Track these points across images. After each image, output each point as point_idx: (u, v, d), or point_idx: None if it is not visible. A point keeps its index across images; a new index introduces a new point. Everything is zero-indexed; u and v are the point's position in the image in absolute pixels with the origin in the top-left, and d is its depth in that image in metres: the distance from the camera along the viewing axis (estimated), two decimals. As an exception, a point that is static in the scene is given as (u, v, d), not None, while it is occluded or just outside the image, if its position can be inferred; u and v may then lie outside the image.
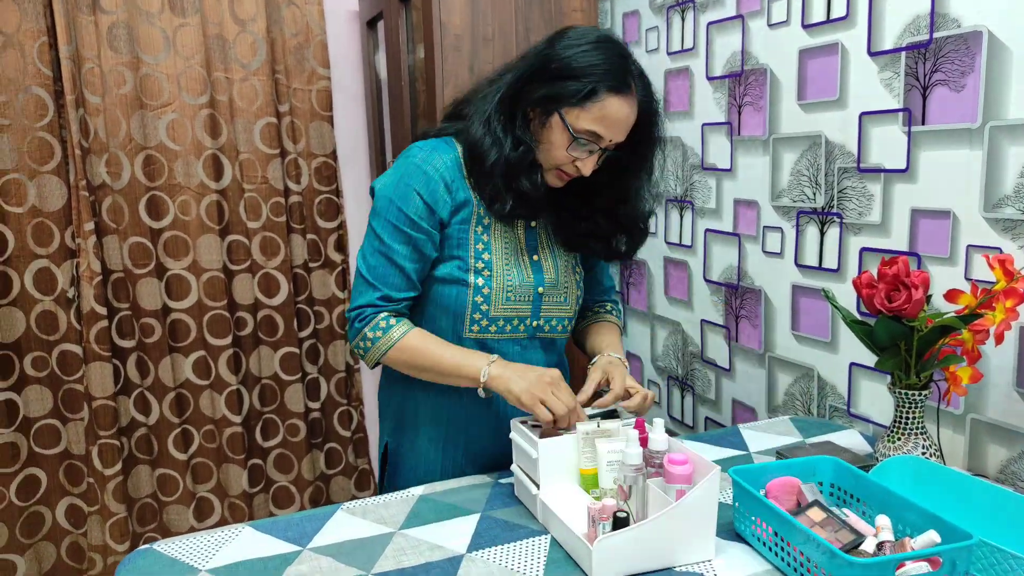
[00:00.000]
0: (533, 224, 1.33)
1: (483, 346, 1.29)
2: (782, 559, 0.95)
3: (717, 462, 1.28)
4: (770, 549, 0.97)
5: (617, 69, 1.15)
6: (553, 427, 1.16)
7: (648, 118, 1.23)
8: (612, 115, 1.16)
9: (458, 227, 1.25)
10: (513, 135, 1.20)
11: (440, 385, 1.27)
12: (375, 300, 1.24)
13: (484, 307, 1.27)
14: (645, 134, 1.24)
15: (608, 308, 1.51)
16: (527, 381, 1.16)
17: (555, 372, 1.18)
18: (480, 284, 1.26)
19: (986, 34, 1.16)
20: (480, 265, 1.26)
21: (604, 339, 1.40)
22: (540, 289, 1.30)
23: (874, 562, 0.84)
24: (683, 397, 2.01)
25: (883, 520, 0.94)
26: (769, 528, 0.97)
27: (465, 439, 1.34)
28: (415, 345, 1.23)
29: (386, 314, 1.24)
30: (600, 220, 1.31)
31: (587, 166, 1.21)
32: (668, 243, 1.99)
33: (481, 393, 1.20)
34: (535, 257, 1.32)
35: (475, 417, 1.32)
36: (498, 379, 1.17)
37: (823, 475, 1.09)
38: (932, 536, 0.88)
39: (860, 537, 0.92)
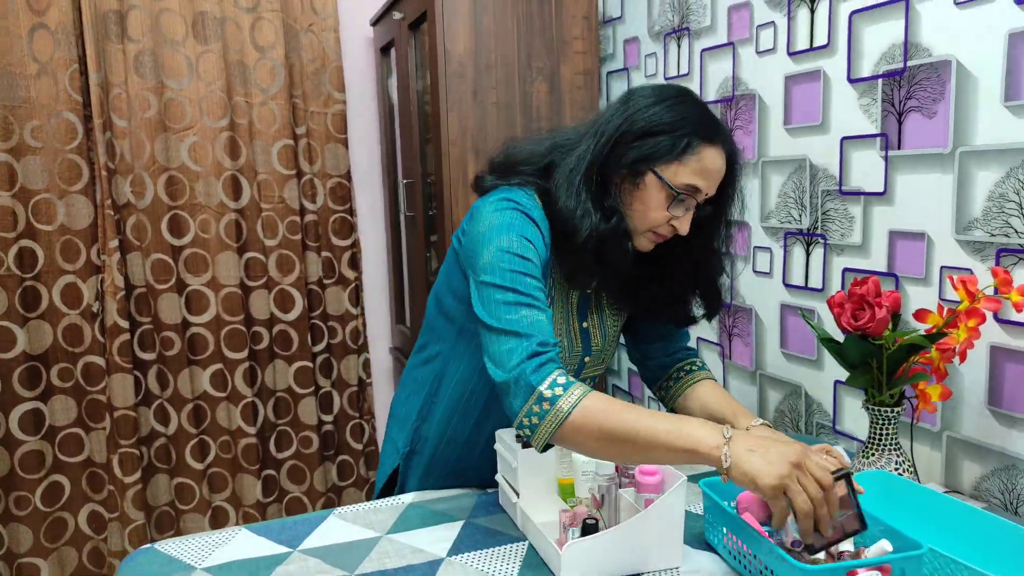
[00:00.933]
0: (588, 291, 1.25)
1: None
2: (744, 566, 0.99)
3: (702, 476, 1.33)
4: (734, 557, 1.01)
5: (707, 119, 1.12)
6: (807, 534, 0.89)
7: (734, 168, 1.17)
8: (710, 166, 1.11)
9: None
10: (603, 206, 1.12)
11: (458, 425, 1.22)
12: (536, 348, 1.01)
13: None
14: (730, 185, 1.18)
15: (700, 364, 1.37)
16: (766, 462, 0.89)
17: (799, 446, 0.92)
18: None
19: (954, 63, 1.20)
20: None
21: (726, 404, 1.27)
22: (587, 359, 1.27)
23: (825, 568, 0.88)
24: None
25: None
26: (732, 536, 1.01)
27: (477, 480, 1.32)
28: (604, 407, 0.98)
29: (556, 368, 1.01)
30: (677, 281, 1.24)
31: (684, 224, 1.13)
32: (667, 262, 2.04)
33: (723, 479, 0.94)
34: (584, 324, 1.26)
35: (478, 440, 1.30)
36: (740, 462, 0.91)
37: None
38: (884, 545, 0.92)
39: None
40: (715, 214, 1.19)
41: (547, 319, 1.05)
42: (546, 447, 1.02)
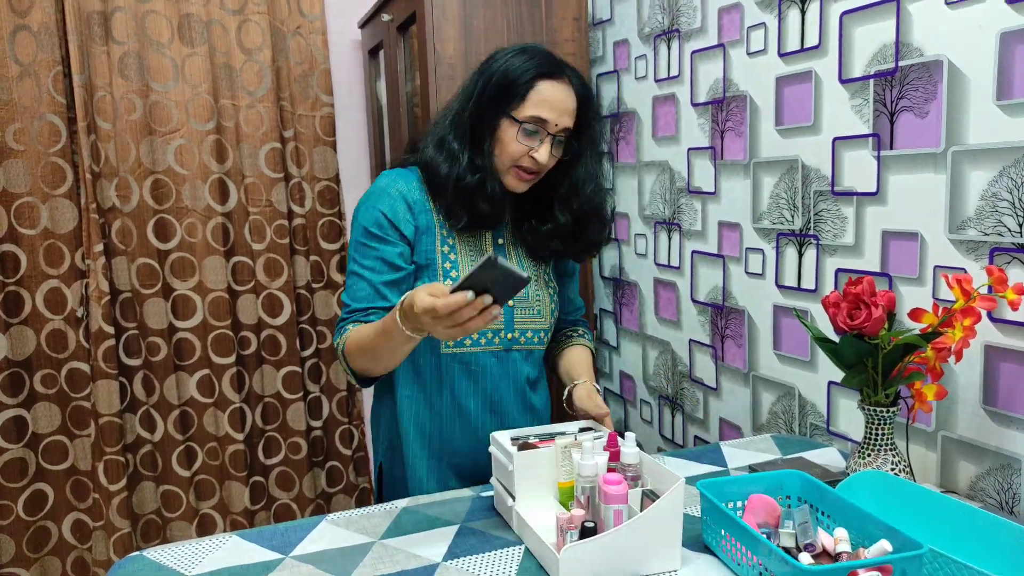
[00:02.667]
0: (500, 241, 1.40)
1: (461, 360, 1.34)
2: (743, 569, 0.98)
3: (696, 477, 1.33)
4: (734, 560, 1.01)
5: (545, 60, 1.27)
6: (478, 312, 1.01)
7: (586, 104, 1.31)
8: (549, 97, 1.26)
9: (424, 248, 1.33)
10: (468, 150, 1.30)
11: (419, 401, 1.33)
12: (344, 313, 1.31)
13: None
14: (585, 120, 1.32)
15: (580, 332, 1.55)
16: (436, 332, 1.04)
17: (420, 304, 1.01)
18: None
19: (946, 63, 1.21)
20: (448, 284, 1.29)
21: (577, 364, 1.45)
22: (511, 303, 1.36)
23: (826, 569, 0.87)
24: (673, 416, 2.04)
25: (841, 532, 0.97)
26: (731, 538, 1.00)
27: (449, 454, 1.38)
28: (357, 334, 1.25)
29: (352, 324, 1.28)
30: (559, 216, 1.37)
31: (542, 152, 1.28)
32: (658, 264, 2.04)
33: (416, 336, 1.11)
34: None
35: (454, 431, 1.37)
36: (419, 330, 1.09)
37: (791, 489, 1.11)
38: (884, 545, 0.91)
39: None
40: (579, 149, 1.34)
41: (368, 286, 1.29)
42: (361, 382, 1.31)
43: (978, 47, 1.16)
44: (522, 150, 1.28)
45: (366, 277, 1.30)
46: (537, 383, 1.45)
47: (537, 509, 1.12)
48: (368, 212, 1.32)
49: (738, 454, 1.47)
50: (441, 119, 1.36)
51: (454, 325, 1.00)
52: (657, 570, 1.02)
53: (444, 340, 1.19)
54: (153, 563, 1.07)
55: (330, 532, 1.16)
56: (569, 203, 1.37)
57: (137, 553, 1.10)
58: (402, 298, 1.09)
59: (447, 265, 1.33)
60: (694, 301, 1.90)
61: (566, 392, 1.39)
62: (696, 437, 1.96)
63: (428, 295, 1.00)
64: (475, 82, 1.31)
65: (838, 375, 1.46)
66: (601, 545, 0.98)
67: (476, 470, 1.37)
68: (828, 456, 1.42)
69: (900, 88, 1.29)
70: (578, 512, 1.02)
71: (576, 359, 1.47)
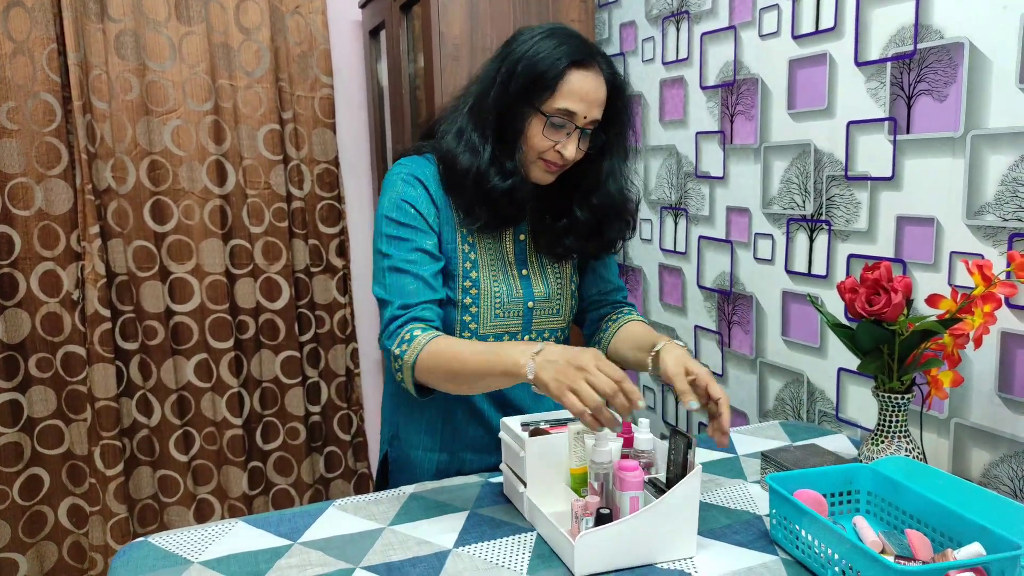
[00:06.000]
0: (522, 237, 1.31)
1: None
2: (822, 565, 0.94)
3: (704, 464, 1.31)
4: (812, 558, 0.95)
5: (576, 47, 1.16)
6: (596, 422, 0.97)
7: (616, 94, 1.22)
8: (579, 88, 1.15)
9: (445, 245, 1.25)
10: (492, 141, 1.20)
11: (428, 400, 1.25)
12: (396, 311, 1.17)
13: (472, 325, 1.27)
14: (614, 112, 1.23)
15: (627, 311, 1.40)
16: (555, 369, 0.99)
17: (589, 352, 1.00)
18: (468, 303, 1.26)
19: (967, 45, 1.19)
20: (468, 284, 1.25)
21: (649, 334, 1.29)
22: (530, 303, 1.30)
23: (921, 570, 0.83)
24: (677, 403, 2.03)
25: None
26: (809, 536, 0.95)
27: (460, 448, 1.35)
28: (441, 349, 1.11)
29: (412, 325, 1.15)
30: (578, 212, 1.28)
31: (569, 148, 1.18)
32: (663, 250, 2.02)
33: (535, 390, 1.04)
34: (524, 271, 1.31)
35: (467, 429, 1.34)
36: (539, 371, 1.01)
37: (860, 483, 1.08)
38: (977, 548, 0.87)
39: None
40: (605, 142, 1.24)
41: (416, 279, 1.18)
42: (419, 391, 1.17)
43: (1001, 29, 1.14)
44: (547, 144, 1.18)
45: (411, 271, 1.18)
46: None
47: (548, 495, 1.11)
48: (395, 203, 1.22)
49: (747, 440, 1.45)
50: (460, 106, 1.26)
51: (591, 378, 0.97)
52: (673, 557, 1.00)
53: (548, 385, 1.00)
54: (159, 549, 1.05)
55: (338, 518, 1.15)
56: (589, 199, 1.28)
57: (141, 539, 1.08)
58: (539, 345, 1.03)
59: (467, 265, 1.26)
60: (700, 287, 1.89)
61: (650, 362, 1.20)
62: (701, 424, 1.95)
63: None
64: (497, 68, 1.20)
65: (849, 361, 1.45)
66: (617, 532, 0.97)
67: (484, 468, 1.34)
68: (838, 443, 1.41)
69: (918, 71, 1.27)
70: (593, 499, 1.01)
71: (639, 332, 1.32)
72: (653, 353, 1.18)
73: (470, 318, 1.26)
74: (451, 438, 1.35)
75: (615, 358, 1.34)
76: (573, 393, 0.96)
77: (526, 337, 1.32)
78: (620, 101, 1.23)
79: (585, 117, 1.17)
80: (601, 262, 1.41)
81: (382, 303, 1.20)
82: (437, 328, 1.18)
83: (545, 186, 1.26)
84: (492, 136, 1.20)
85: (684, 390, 1.05)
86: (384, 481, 1.44)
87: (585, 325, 1.45)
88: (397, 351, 1.14)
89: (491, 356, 1.07)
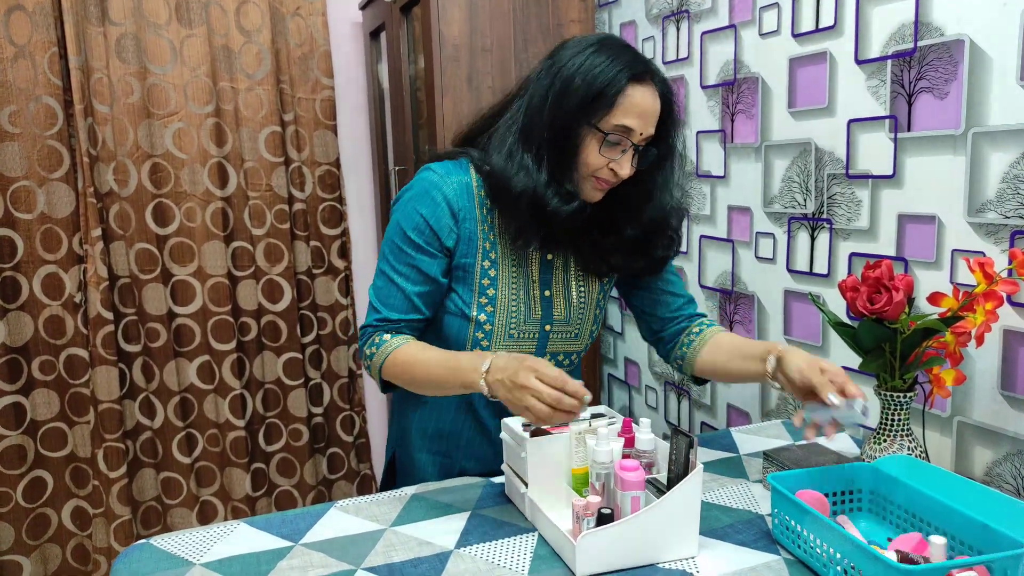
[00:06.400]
0: (549, 257, 1.27)
1: None
2: (824, 564, 0.93)
3: (706, 464, 1.31)
4: (813, 557, 0.95)
5: (631, 60, 1.12)
6: (552, 423, 1.03)
7: (669, 107, 1.18)
8: (639, 104, 1.11)
9: (463, 255, 1.21)
10: (537, 161, 1.15)
11: (438, 408, 1.27)
12: (373, 321, 1.21)
13: (484, 343, 1.24)
14: (664, 126, 1.18)
15: (708, 323, 1.34)
16: (504, 388, 1.03)
17: (525, 366, 1.01)
18: (482, 320, 1.23)
19: (968, 42, 1.18)
20: (484, 300, 1.22)
21: (746, 344, 1.25)
22: (548, 327, 1.27)
23: (923, 569, 0.82)
24: (679, 402, 2.03)
25: (937, 539, 0.92)
26: (811, 536, 0.95)
27: (457, 452, 1.35)
28: (407, 357, 1.16)
29: (384, 332, 1.20)
30: (626, 229, 1.23)
31: (624, 166, 1.14)
32: (665, 249, 2.02)
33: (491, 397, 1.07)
34: (547, 292, 1.27)
35: (460, 431, 1.34)
36: (495, 391, 1.06)
37: (863, 483, 1.08)
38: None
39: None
40: (657, 155, 1.19)
41: (404, 297, 1.20)
42: (385, 388, 1.24)
43: (1001, 26, 1.13)
44: (602, 162, 1.13)
45: (398, 284, 1.20)
46: None
47: (549, 496, 1.11)
48: (409, 215, 1.19)
49: (749, 440, 1.45)
50: (509, 124, 1.19)
51: (536, 394, 0.99)
52: (674, 556, 1.00)
53: (505, 402, 1.04)
54: (160, 551, 1.05)
55: (339, 519, 1.15)
56: (639, 216, 1.23)
57: (143, 541, 1.08)
58: (487, 356, 1.07)
59: (485, 281, 1.22)
60: (702, 286, 1.88)
61: (771, 367, 1.15)
62: (703, 423, 1.95)
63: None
64: (547, 86, 1.14)
65: (851, 360, 1.44)
66: (619, 532, 0.97)
67: (489, 465, 1.34)
68: (841, 442, 1.41)
69: (919, 68, 1.27)
70: (594, 499, 1.00)
71: (735, 342, 1.26)
72: (774, 359, 1.14)
73: (483, 335, 1.24)
74: (454, 447, 1.35)
75: (709, 371, 1.29)
76: (527, 409, 1.01)
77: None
78: (672, 114, 1.19)
79: (641, 134, 1.14)
80: (663, 280, 1.35)
81: (370, 304, 1.24)
82: (411, 337, 1.22)
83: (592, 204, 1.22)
84: (547, 155, 1.15)
85: (822, 383, 1.03)
86: (391, 482, 1.44)
87: (661, 344, 1.38)
88: (368, 351, 1.21)
89: (447, 372, 1.12)
